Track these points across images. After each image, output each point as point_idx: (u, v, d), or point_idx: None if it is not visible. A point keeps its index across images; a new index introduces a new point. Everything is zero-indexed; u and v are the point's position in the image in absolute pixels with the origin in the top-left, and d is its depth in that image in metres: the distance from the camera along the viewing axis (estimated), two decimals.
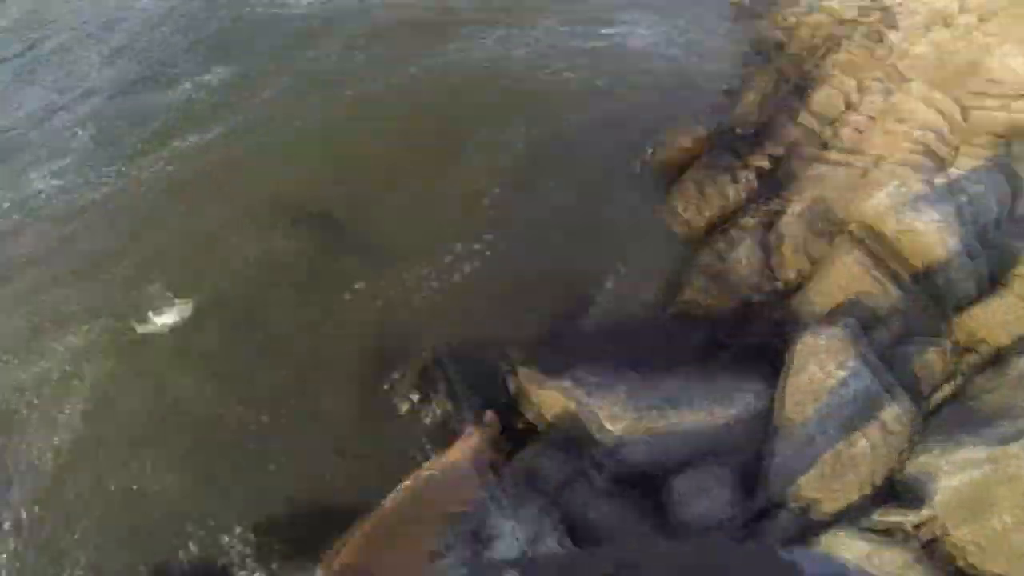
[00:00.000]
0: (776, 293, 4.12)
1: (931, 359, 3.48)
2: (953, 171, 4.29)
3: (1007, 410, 3.12)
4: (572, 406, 3.54)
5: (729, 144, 5.06)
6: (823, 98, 5.29)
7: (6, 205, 5.46)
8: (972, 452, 2.99)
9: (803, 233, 4.17)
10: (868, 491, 3.18)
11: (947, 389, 3.44)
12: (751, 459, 3.48)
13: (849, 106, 5.19)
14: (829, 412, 3.34)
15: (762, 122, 5.25)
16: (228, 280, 4.44)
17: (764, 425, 3.55)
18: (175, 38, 7.33)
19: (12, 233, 5.18)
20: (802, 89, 5.55)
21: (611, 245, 4.67)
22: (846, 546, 2.97)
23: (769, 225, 4.35)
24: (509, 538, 2.60)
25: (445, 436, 3.40)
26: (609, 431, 3.41)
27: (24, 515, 3.41)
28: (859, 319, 3.64)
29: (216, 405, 3.80)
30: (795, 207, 4.40)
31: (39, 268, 4.84)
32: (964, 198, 4.06)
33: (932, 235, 3.73)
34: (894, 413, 3.25)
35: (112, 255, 4.80)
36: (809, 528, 3.16)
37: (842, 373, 3.37)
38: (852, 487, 3.19)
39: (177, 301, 4.31)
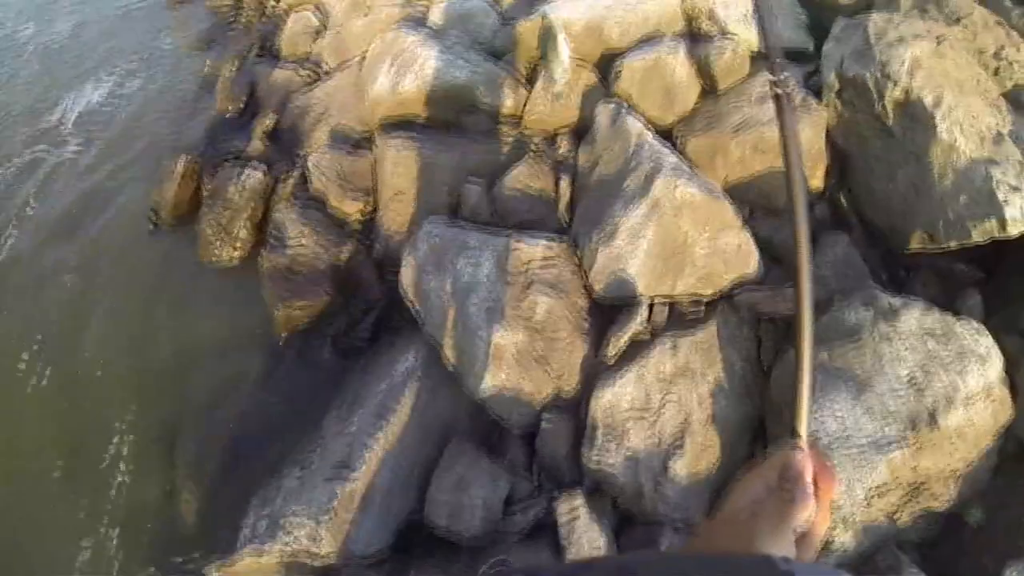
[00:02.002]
0: (355, 237, 3.12)
1: (528, 177, 2.81)
2: (435, 14, 3.79)
3: None
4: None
5: (225, 143, 3.93)
6: (291, 39, 4.48)
7: None
8: None
9: (335, 162, 3.22)
10: None
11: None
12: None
13: (320, 31, 4.48)
14: (489, 296, 2.46)
15: (245, 101, 4.22)
16: None
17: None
18: None
19: None
20: (270, 40, 4.71)
21: (187, 322, 3.34)
22: None
23: (304, 181, 3.31)
24: None
25: None
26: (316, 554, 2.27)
27: None
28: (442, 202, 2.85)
29: None
30: (314, 144, 3.46)
31: None
32: (453, 31, 3.57)
33: (441, 67, 3.09)
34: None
35: None
36: None
37: (470, 258, 2.50)
38: None
39: None
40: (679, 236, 2.36)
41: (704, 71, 2.89)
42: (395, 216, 2.96)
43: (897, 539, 2.14)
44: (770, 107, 2.94)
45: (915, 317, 2.08)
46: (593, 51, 3.09)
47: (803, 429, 0.77)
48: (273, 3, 5.28)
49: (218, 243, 3.39)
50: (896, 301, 2.14)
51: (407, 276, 2.56)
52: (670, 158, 2.47)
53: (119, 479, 2.90)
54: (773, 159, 2.65)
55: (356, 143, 3.37)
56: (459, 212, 2.81)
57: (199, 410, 3.00)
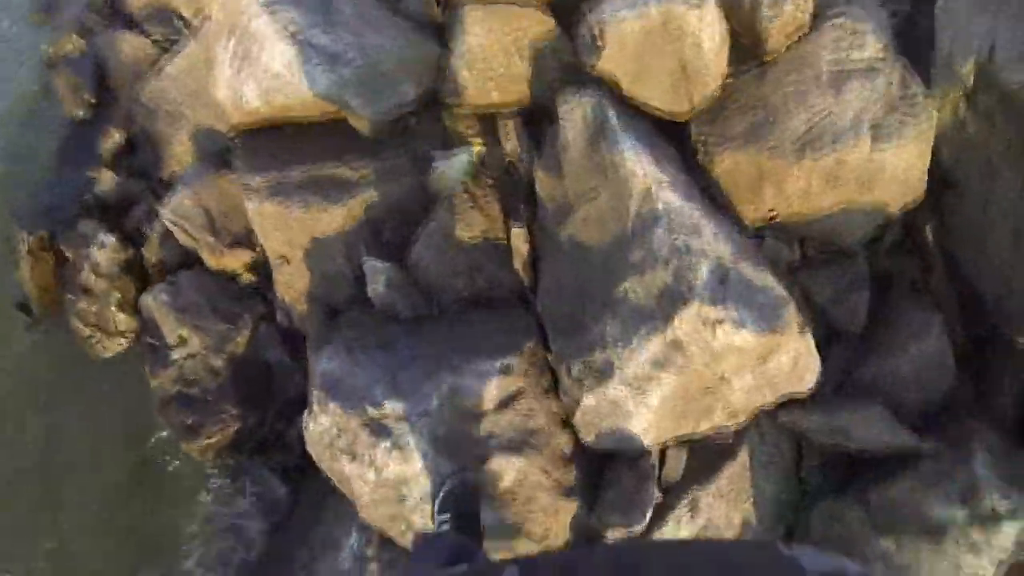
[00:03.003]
0: (251, 300, 2.28)
1: (462, 223, 1.87)
2: None
3: None
4: None
5: (77, 177, 2.79)
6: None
7: None
8: None
9: (198, 201, 2.23)
10: None
11: None
12: None
13: None
14: (432, 478, 1.69)
15: (95, 97, 2.92)
16: None
17: None
18: None
19: None
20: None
21: (83, 448, 2.55)
22: None
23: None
24: None
25: None
26: None
27: None
28: (340, 271, 1.93)
29: None
30: (174, 163, 2.46)
31: None
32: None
33: (290, 67, 1.87)
34: None
35: None
36: None
37: (391, 442, 1.67)
38: None
39: None
40: (712, 380, 1.53)
41: (748, 28, 1.78)
42: (287, 287, 2.05)
43: None
44: (853, 97, 1.75)
45: (1015, 531, 1.55)
46: None
47: None
48: None
49: (97, 338, 2.54)
50: (1003, 504, 1.56)
51: (316, 449, 1.76)
52: (707, 257, 1.46)
53: None
54: (853, 192, 1.71)
55: (226, 153, 2.32)
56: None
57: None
